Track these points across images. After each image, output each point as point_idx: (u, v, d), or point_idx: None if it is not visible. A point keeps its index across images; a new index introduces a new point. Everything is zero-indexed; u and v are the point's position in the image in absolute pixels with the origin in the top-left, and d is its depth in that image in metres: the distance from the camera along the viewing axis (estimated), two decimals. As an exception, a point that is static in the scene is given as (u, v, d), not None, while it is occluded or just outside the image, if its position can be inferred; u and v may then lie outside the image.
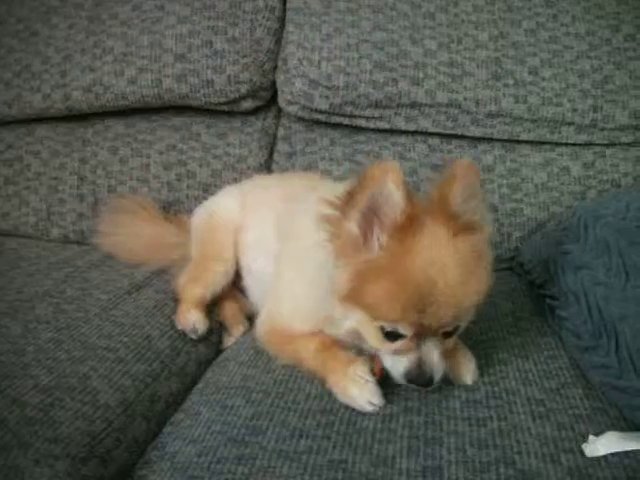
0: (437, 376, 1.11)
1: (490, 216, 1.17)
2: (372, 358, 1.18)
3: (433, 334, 1.10)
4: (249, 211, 1.64)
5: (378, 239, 1.07)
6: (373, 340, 1.13)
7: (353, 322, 1.15)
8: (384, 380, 1.17)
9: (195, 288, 1.56)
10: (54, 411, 1.13)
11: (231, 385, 1.26)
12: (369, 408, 1.13)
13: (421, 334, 1.09)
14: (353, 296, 1.10)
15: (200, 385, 1.35)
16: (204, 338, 1.51)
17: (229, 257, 1.62)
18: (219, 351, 1.54)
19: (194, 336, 1.48)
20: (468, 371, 1.21)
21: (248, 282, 1.63)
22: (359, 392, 1.13)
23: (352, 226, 1.08)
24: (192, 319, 1.49)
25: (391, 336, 1.10)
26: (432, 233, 1.07)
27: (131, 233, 1.83)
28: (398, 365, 1.12)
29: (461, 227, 1.08)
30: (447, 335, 1.13)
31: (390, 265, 1.06)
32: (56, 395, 1.17)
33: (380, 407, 1.13)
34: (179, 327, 1.49)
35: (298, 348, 1.27)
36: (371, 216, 1.07)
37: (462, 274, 1.06)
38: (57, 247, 1.97)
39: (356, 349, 1.22)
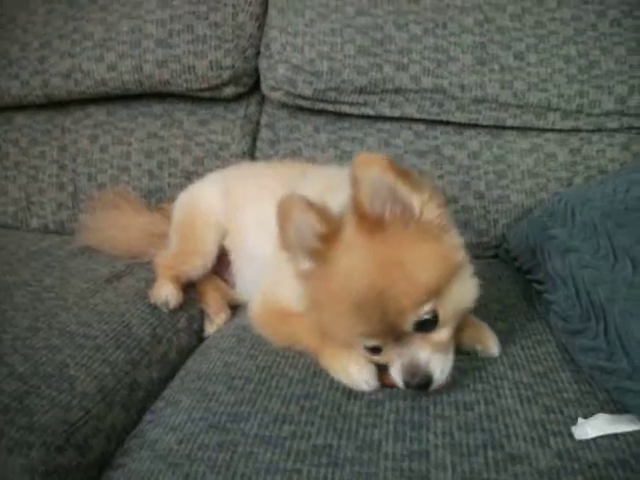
0: (436, 373, 1.05)
1: (426, 193, 1.05)
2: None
3: (407, 335, 1.04)
4: (245, 196, 1.61)
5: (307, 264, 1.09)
6: (363, 354, 1.12)
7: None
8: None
9: (171, 272, 1.56)
10: (29, 399, 1.10)
11: (212, 372, 1.24)
12: (365, 387, 1.11)
13: (396, 339, 1.04)
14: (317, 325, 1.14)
15: (181, 373, 1.32)
16: (186, 327, 1.49)
17: (208, 251, 1.60)
18: (201, 339, 1.52)
19: (165, 309, 1.48)
20: (493, 343, 1.21)
21: (240, 265, 1.60)
22: (359, 372, 1.11)
23: (300, 261, 1.10)
24: (165, 292, 1.49)
25: (372, 350, 1.09)
26: (350, 243, 1.04)
27: (120, 227, 1.79)
28: (395, 375, 1.08)
29: (376, 225, 1.02)
30: (428, 329, 1.05)
31: (322, 289, 1.07)
32: (32, 383, 1.14)
33: (374, 389, 1.11)
34: (152, 300, 1.49)
35: (295, 325, 1.25)
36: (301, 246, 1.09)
37: (385, 274, 1.01)
38: (36, 237, 1.94)
39: None
